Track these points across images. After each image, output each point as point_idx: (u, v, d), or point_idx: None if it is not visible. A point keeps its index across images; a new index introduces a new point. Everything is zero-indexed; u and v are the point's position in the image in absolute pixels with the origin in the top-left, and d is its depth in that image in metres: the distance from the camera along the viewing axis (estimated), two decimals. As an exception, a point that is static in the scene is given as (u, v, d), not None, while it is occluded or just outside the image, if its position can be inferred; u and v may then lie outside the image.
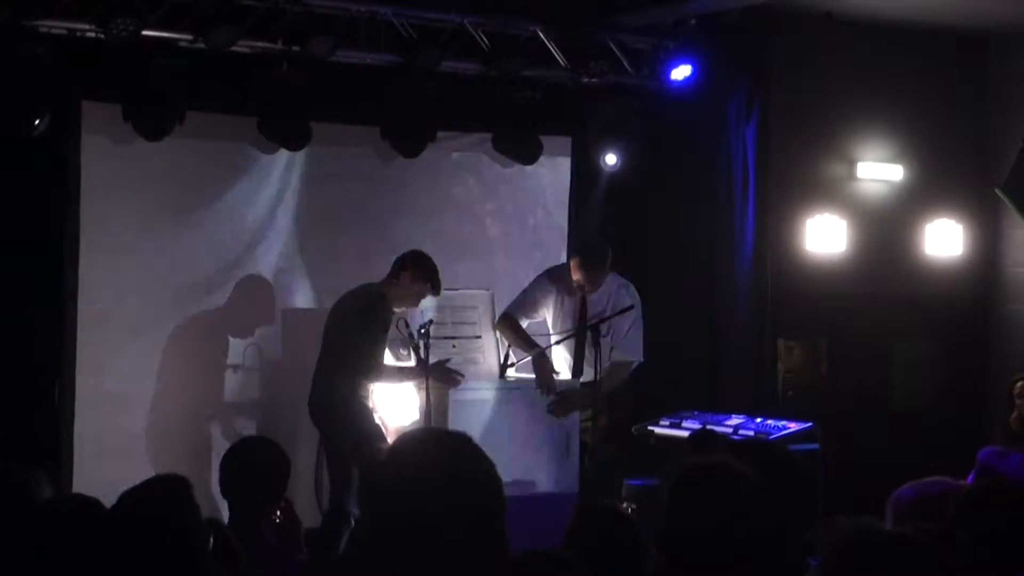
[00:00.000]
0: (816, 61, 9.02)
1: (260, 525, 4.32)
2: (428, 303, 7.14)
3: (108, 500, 3.57)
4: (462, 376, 6.91)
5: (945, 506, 3.78)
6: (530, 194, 8.62)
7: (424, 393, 6.73)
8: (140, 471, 4.62)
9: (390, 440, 6.85)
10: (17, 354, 7.00)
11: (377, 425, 7.00)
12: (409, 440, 2.43)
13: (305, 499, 7.16)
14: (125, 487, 3.43)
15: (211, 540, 3.44)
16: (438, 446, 2.36)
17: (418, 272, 6.97)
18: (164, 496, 3.38)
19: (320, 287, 7.86)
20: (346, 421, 6.86)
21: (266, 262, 7.77)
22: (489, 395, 7.10)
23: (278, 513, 4.88)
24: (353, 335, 6.84)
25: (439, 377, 6.82)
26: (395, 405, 7.15)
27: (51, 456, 6.96)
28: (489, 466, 2.34)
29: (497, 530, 2.32)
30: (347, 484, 6.81)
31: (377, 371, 6.88)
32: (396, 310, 6.90)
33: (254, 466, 4.45)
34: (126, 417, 7.35)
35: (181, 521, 3.32)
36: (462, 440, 2.37)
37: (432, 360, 6.76)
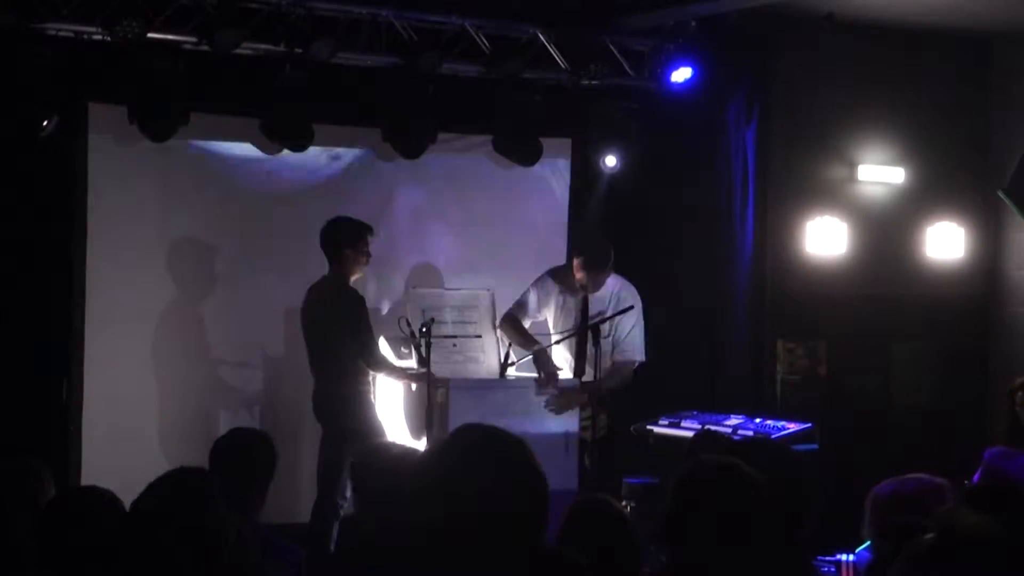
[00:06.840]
0: (816, 63, 9.01)
1: (249, 514, 4.32)
2: (429, 303, 7.24)
3: (117, 492, 3.64)
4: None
5: (922, 503, 3.81)
6: (530, 196, 8.64)
7: (426, 391, 6.79)
8: (147, 465, 4.68)
9: (387, 436, 6.92)
10: (26, 351, 7.10)
11: (378, 420, 7.07)
12: (459, 438, 2.34)
13: (308, 494, 7.22)
14: (132, 480, 3.48)
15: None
16: (483, 450, 2.29)
17: (356, 244, 7.11)
18: (189, 490, 3.43)
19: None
20: (346, 415, 6.95)
21: (268, 260, 7.83)
22: (489, 394, 7.15)
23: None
24: (344, 332, 6.95)
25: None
26: (393, 401, 7.22)
27: (60, 451, 7.07)
28: (535, 479, 2.26)
29: (531, 543, 2.22)
30: (337, 477, 6.87)
31: (377, 360, 7.02)
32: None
33: (238, 457, 4.46)
34: (133, 412, 7.46)
35: (212, 516, 3.36)
36: (513, 447, 2.29)
37: (434, 358, 6.82)
